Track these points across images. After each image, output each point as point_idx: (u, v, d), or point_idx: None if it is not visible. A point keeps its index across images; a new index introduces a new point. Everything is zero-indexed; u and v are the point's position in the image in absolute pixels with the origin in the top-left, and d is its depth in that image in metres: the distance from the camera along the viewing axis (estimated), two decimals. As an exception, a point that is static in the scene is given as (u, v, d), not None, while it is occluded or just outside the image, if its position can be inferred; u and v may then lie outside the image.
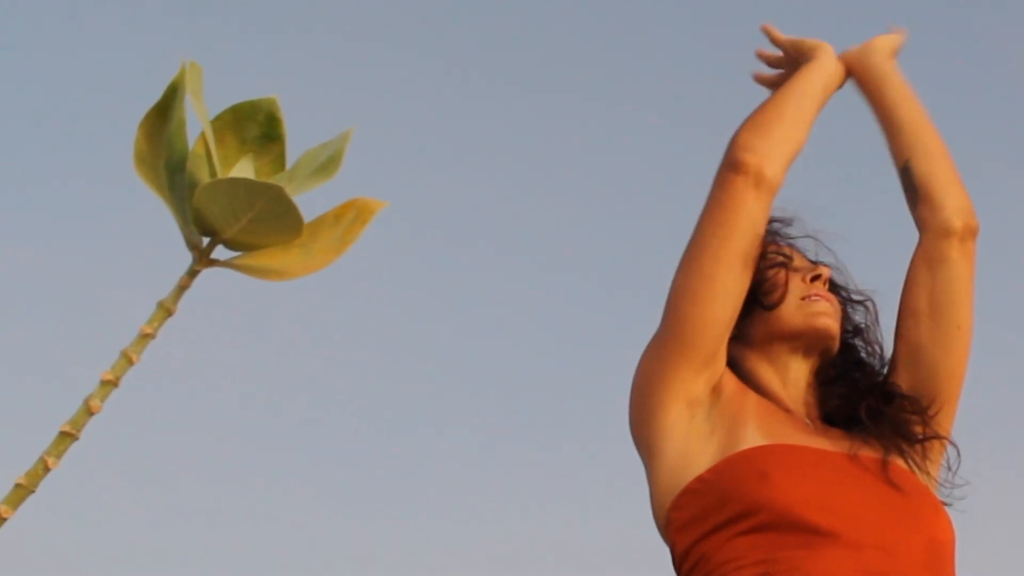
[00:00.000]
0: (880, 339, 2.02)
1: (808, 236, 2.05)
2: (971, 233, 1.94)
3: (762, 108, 1.95)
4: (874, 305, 2.04)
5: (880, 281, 2.07)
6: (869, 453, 1.81)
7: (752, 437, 1.78)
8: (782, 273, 1.94)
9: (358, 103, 5.20)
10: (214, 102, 1.69)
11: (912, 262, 1.96)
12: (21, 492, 1.53)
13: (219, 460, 5.45)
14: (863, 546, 1.67)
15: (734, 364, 1.93)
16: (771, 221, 2.00)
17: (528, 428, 5.55)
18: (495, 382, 5.64)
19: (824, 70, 2.02)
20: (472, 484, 5.51)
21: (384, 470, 5.57)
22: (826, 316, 1.91)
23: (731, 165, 1.85)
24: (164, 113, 1.66)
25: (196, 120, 1.66)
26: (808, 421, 1.88)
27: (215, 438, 5.47)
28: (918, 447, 1.86)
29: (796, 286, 1.93)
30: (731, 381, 1.87)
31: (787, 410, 1.89)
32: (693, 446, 1.79)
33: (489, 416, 5.58)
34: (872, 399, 1.89)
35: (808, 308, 1.91)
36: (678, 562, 1.77)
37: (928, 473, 1.87)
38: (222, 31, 5.26)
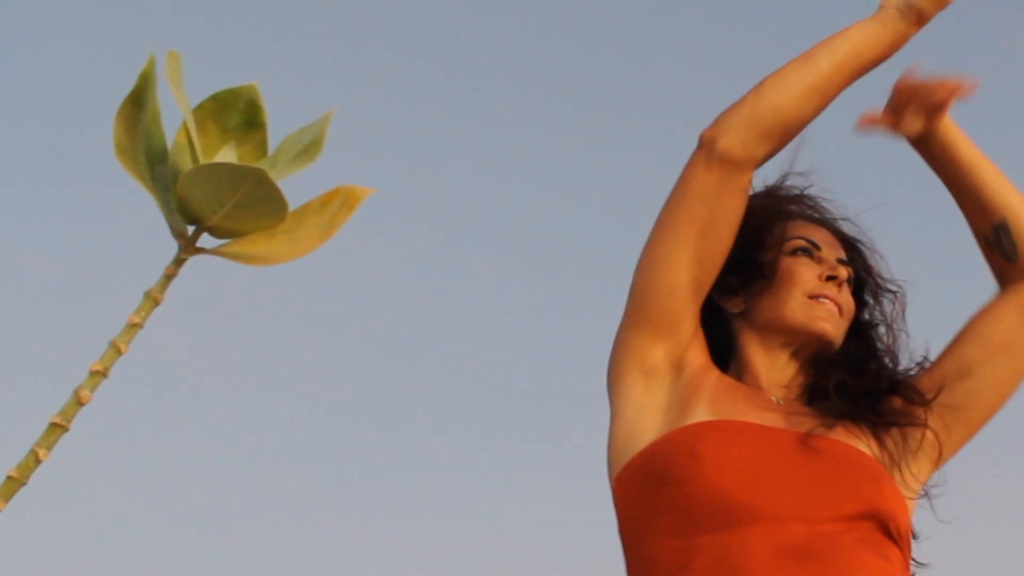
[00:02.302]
0: (903, 332, 1.98)
1: (845, 219, 2.02)
2: None
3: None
4: (903, 296, 2.00)
5: (916, 268, 2.04)
6: (821, 431, 1.78)
7: (698, 414, 1.78)
8: (798, 262, 1.91)
9: (339, 88, 5.20)
10: (195, 91, 1.69)
11: (1003, 302, 1.89)
12: (12, 484, 1.53)
13: (208, 449, 5.46)
14: (783, 519, 1.66)
15: (732, 338, 1.93)
16: (805, 198, 1.99)
17: (520, 421, 5.56)
18: (483, 371, 5.65)
19: (853, 34, 1.86)
20: (464, 480, 5.52)
21: (371, 461, 5.57)
22: (826, 322, 1.88)
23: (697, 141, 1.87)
24: (139, 103, 1.66)
25: (177, 109, 1.66)
26: (777, 399, 1.87)
27: (204, 427, 5.47)
28: (911, 443, 1.82)
29: (809, 279, 1.90)
30: (698, 359, 1.87)
31: (758, 387, 1.88)
32: (645, 419, 1.81)
33: (477, 408, 5.59)
34: (858, 380, 1.88)
35: (812, 309, 1.88)
36: (619, 534, 1.80)
37: (901, 465, 1.81)
38: (201, 19, 5.25)
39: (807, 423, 1.79)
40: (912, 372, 1.91)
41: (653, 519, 1.73)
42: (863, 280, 2.00)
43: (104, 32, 5.27)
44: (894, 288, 2.00)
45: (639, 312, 1.86)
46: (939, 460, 1.85)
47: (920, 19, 1.86)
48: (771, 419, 1.80)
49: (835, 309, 1.90)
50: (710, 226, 1.84)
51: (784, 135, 1.86)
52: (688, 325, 1.86)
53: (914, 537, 1.85)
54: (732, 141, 1.83)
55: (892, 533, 1.72)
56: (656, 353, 1.85)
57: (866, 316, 1.99)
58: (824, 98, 1.85)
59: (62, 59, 5.42)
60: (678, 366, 1.85)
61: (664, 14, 5.77)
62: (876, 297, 2.00)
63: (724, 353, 1.95)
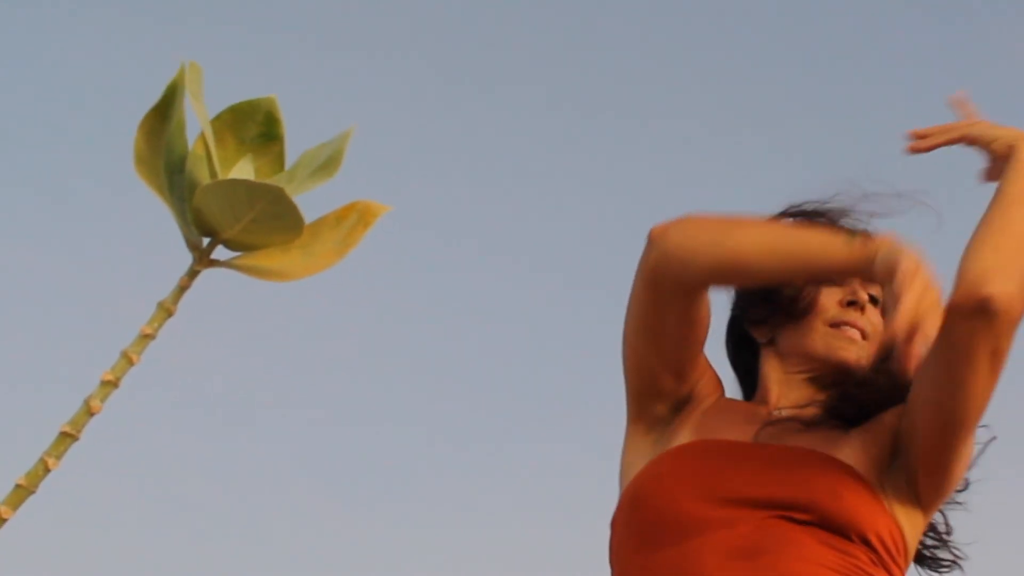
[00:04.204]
0: None
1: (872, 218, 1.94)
2: (978, 308, 1.60)
3: (755, 222, 1.77)
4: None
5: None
6: (789, 439, 1.74)
7: (679, 439, 1.79)
8: (819, 289, 1.85)
9: (357, 103, 5.21)
10: (213, 102, 1.69)
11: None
12: (21, 493, 1.53)
13: (218, 460, 5.46)
14: (735, 524, 1.65)
15: (759, 364, 1.91)
16: (833, 210, 1.90)
17: (531, 431, 5.56)
18: (501, 383, 5.65)
19: (815, 245, 1.67)
20: (474, 488, 5.51)
21: (383, 471, 5.57)
22: (847, 351, 1.84)
23: None
24: (163, 114, 1.66)
25: (195, 120, 1.66)
26: (779, 413, 1.83)
27: (214, 438, 5.48)
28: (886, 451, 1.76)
29: (830, 307, 1.86)
30: (702, 391, 1.86)
31: (764, 403, 1.86)
32: (640, 457, 1.82)
33: (495, 418, 5.59)
34: (866, 389, 1.83)
35: (833, 339, 1.84)
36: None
37: (886, 474, 1.75)
38: (221, 31, 5.27)
39: (788, 434, 1.76)
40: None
41: (625, 540, 1.75)
42: None
43: (124, 43, 5.29)
44: None
45: (632, 381, 1.86)
46: (914, 484, 1.73)
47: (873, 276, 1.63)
48: (753, 433, 1.78)
49: (857, 335, 1.85)
50: (658, 336, 1.80)
51: (713, 286, 1.78)
52: (685, 386, 1.85)
53: (937, 536, 1.83)
54: (667, 265, 1.73)
55: (853, 538, 1.66)
56: (657, 408, 1.86)
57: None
58: (768, 281, 1.79)
59: (80, 68, 5.44)
60: (676, 407, 1.85)
61: (689, 31, 5.78)
62: None
63: (754, 378, 1.94)
